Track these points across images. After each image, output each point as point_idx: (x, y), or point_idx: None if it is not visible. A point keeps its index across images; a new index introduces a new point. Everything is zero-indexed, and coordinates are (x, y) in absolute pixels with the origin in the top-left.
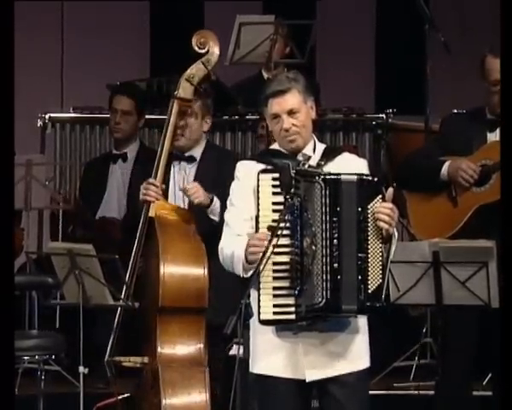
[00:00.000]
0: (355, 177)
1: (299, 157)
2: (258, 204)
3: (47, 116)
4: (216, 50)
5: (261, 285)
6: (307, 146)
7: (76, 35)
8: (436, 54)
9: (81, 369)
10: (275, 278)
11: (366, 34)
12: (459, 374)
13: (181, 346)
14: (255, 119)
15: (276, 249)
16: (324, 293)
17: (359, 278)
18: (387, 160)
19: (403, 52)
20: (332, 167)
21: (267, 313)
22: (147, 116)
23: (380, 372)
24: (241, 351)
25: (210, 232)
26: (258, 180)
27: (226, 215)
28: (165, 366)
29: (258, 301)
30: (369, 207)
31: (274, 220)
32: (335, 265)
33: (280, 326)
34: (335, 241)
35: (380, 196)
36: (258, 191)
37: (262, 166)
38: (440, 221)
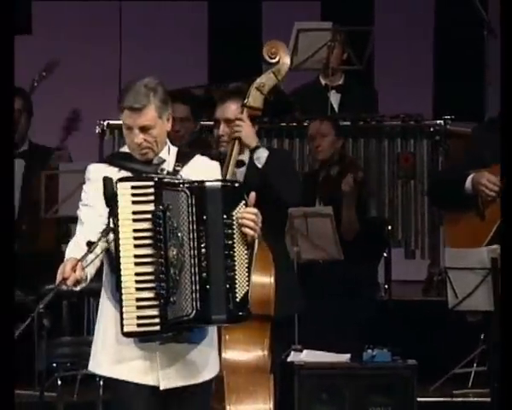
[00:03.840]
0: (219, 183)
1: (154, 161)
2: (116, 213)
3: (105, 123)
4: (286, 61)
5: (123, 296)
6: (162, 153)
7: (133, 41)
8: (495, 59)
9: None
10: (138, 289)
11: (424, 40)
12: None
13: (245, 353)
14: None
15: (138, 260)
16: (194, 304)
17: (227, 286)
18: (446, 167)
19: (461, 58)
20: (187, 171)
21: (131, 324)
22: (206, 123)
23: (438, 380)
24: (302, 356)
25: None
26: (116, 189)
27: (79, 214)
28: (229, 373)
29: (121, 313)
30: (233, 213)
31: (135, 230)
32: (204, 275)
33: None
34: (203, 250)
35: (243, 202)
36: (116, 200)
37: (114, 170)
38: (471, 236)
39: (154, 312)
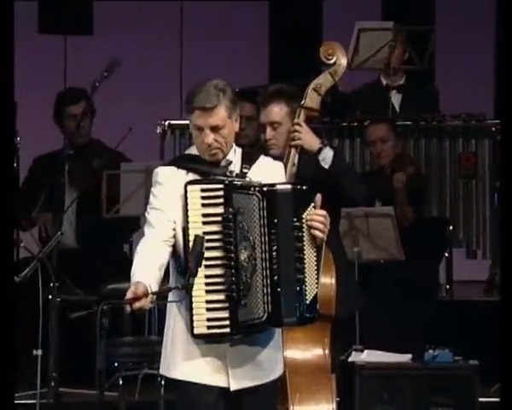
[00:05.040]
0: (289, 186)
1: (222, 162)
2: (187, 216)
3: (166, 123)
4: (343, 62)
5: (193, 298)
6: (229, 155)
7: (194, 41)
8: None
9: None
10: (208, 292)
11: (486, 39)
12: None
13: (306, 352)
14: None
15: (208, 262)
16: (266, 307)
17: (298, 289)
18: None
19: None
20: (253, 172)
21: (201, 326)
22: None
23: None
24: (363, 356)
25: None
26: (186, 192)
27: (148, 217)
28: (291, 372)
29: (191, 314)
30: (303, 216)
31: (205, 233)
32: (275, 277)
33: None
34: (274, 253)
35: (312, 205)
36: (186, 203)
37: (182, 172)
38: None
39: (224, 314)
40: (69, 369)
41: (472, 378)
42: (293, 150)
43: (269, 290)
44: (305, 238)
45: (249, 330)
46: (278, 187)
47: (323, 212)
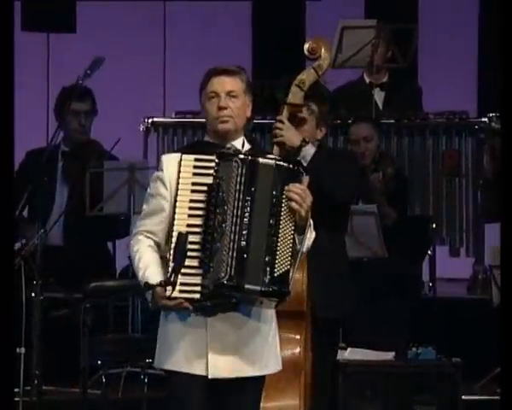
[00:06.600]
0: (273, 161)
1: (228, 147)
2: (177, 183)
3: (150, 121)
4: (327, 57)
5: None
6: (237, 141)
7: (177, 39)
8: None
9: None
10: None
11: (469, 37)
12: None
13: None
14: None
15: (189, 229)
16: (228, 269)
17: (266, 259)
18: (491, 165)
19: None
20: None
21: (174, 290)
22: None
23: (483, 378)
24: (347, 354)
25: None
26: (180, 161)
27: (144, 206)
28: None
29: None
30: (284, 192)
31: (192, 200)
32: (243, 243)
33: (192, 314)
34: (246, 220)
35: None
36: (179, 171)
37: None
38: None
39: (197, 280)
40: (52, 367)
41: (455, 376)
42: (275, 147)
43: (234, 254)
44: (283, 213)
45: (216, 294)
46: (261, 158)
47: (303, 186)
